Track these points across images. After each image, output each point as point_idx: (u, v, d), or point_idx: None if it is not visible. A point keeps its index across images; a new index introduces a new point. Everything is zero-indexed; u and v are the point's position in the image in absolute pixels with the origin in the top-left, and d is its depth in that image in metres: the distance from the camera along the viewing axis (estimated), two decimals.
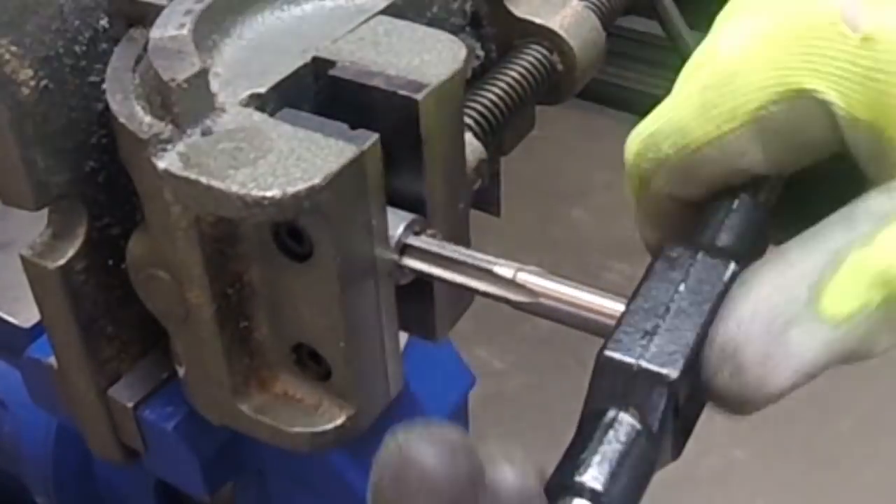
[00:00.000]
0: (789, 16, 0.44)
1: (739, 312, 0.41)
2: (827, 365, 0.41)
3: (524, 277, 0.48)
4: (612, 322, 0.43)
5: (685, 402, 0.42)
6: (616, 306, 0.45)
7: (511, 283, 0.49)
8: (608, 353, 0.41)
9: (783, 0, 0.45)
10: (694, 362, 0.41)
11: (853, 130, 0.43)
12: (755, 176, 0.46)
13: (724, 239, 0.46)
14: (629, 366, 0.40)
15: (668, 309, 0.42)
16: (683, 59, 0.47)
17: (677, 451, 0.43)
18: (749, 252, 0.45)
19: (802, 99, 0.43)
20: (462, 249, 0.51)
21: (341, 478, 0.70)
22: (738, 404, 0.41)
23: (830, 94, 0.43)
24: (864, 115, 0.42)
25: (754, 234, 0.46)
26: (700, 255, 0.44)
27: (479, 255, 0.50)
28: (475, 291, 0.50)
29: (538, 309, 0.48)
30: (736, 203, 0.47)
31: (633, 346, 0.41)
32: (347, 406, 0.52)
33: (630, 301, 0.43)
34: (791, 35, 0.44)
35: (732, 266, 0.43)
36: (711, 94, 0.45)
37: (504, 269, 0.49)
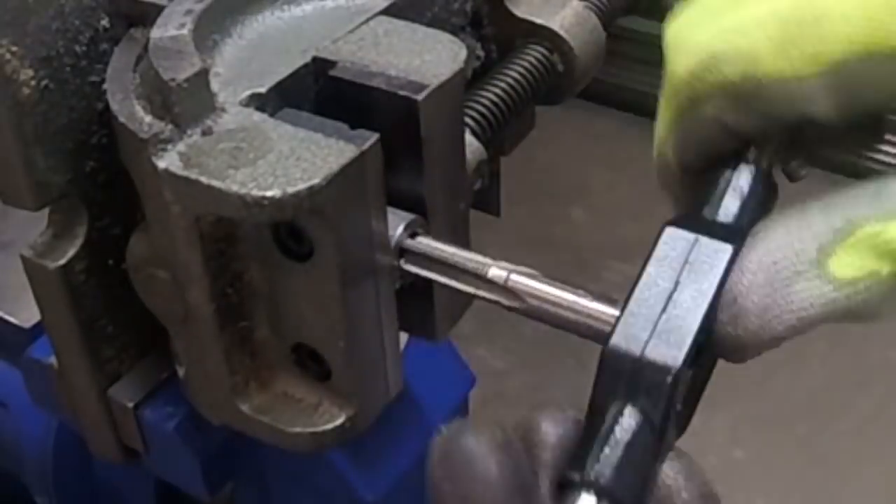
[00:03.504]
0: None
1: (746, 262, 0.42)
2: (825, 320, 0.42)
3: (515, 281, 0.48)
4: (603, 326, 0.43)
5: (688, 390, 0.42)
6: (607, 310, 0.45)
7: (503, 289, 0.49)
8: (613, 344, 0.41)
9: None
10: (696, 351, 0.41)
11: None
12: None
13: (727, 210, 0.46)
14: (633, 357, 0.41)
15: (670, 298, 0.42)
16: None
17: (680, 431, 0.43)
18: (752, 223, 0.45)
19: (889, 57, 0.41)
20: (458, 251, 0.51)
21: (341, 478, 0.70)
22: (735, 350, 0.42)
23: None
24: None
25: (758, 203, 0.46)
26: (702, 239, 0.44)
27: (476, 257, 0.50)
28: (467, 295, 0.50)
29: (530, 312, 0.48)
30: (739, 172, 0.47)
31: (637, 337, 0.41)
32: (347, 406, 0.52)
33: (631, 290, 0.43)
34: None
35: (731, 250, 0.43)
36: (794, 30, 0.42)
37: (497, 272, 0.49)
